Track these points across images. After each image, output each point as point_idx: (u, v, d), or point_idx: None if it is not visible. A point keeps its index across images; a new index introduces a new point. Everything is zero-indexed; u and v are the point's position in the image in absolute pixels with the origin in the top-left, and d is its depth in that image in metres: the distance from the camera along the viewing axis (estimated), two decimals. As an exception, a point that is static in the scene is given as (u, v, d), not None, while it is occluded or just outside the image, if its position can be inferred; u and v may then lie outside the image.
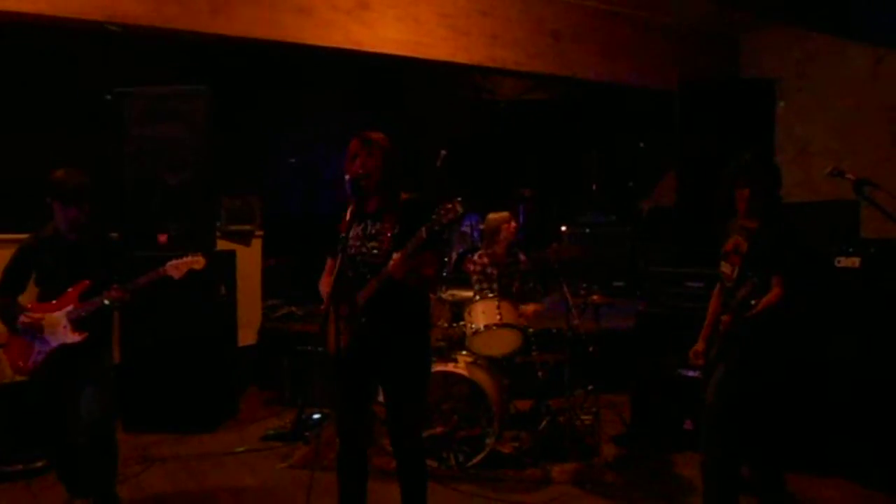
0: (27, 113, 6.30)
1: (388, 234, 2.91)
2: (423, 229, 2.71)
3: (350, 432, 3.07)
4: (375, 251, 2.91)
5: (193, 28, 5.36)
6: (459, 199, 2.70)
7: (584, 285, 4.91)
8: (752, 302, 3.05)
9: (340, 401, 3.10)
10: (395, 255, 2.77)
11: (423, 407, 3.15)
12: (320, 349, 4.98)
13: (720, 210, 3.44)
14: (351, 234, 2.97)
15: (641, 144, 9.12)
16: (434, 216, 2.69)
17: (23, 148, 6.13)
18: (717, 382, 3.27)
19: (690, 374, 4.26)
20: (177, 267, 3.42)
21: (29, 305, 3.49)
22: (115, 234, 3.76)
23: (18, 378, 3.65)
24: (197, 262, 3.45)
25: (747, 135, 4.78)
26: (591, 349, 4.84)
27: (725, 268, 3.35)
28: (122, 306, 3.47)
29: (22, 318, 3.40)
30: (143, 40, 5.48)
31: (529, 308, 4.78)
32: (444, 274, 6.41)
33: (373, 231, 2.94)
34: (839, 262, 4.16)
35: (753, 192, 3.24)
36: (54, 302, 3.44)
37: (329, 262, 3.16)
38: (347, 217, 2.87)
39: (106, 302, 3.37)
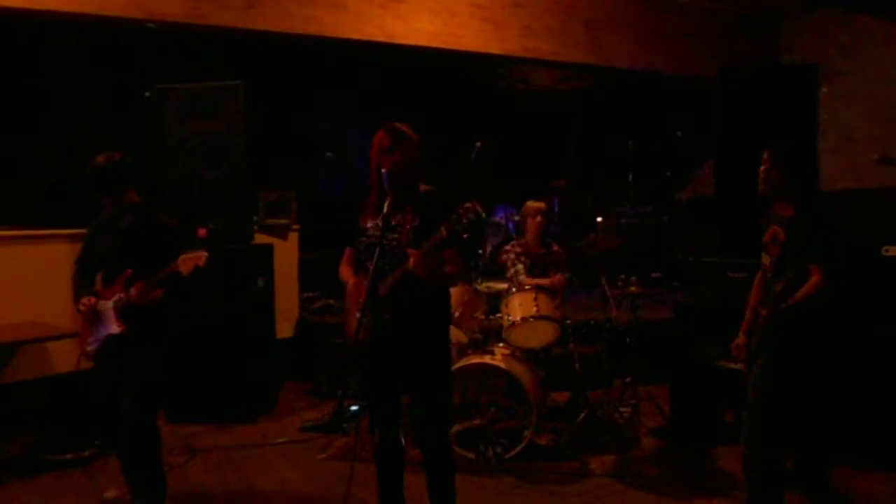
0: (69, 110, 6.45)
1: (408, 227, 2.90)
2: (443, 228, 2.69)
3: (384, 425, 3.08)
4: (395, 243, 2.91)
5: (229, 24, 5.43)
6: (477, 200, 2.67)
7: (622, 276, 4.85)
8: (788, 299, 2.99)
9: (371, 394, 3.12)
10: (413, 252, 2.75)
11: (447, 402, 3.14)
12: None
13: (760, 199, 3.37)
14: (370, 224, 2.98)
15: (678, 133, 8.98)
16: (454, 216, 2.66)
17: (65, 145, 6.29)
18: (758, 374, 3.21)
19: (731, 365, 4.18)
20: (185, 262, 3.35)
21: (98, 289, 3.55)
22: (171, 221, 3.65)
23: (80, 367, 3.69)
24: (199, 258, 3.36)
25: (789, 122, 4.67)
26: (628, 340, 4.79)
27: (764, 259, 3.28)
28: (150, 300, 3.38)
29: (79, 305, 3.47)
30: (181, 37, 5.56)
31: (556, 277, 4.78)
32: (479, 265, 6.40)
33: (393, 222, 2.93)
34: (887, 250, 4.05)
35: (778, 173, 3.17)
36: (112, 288, 3.46)
37: (348, 251, 3.17)
38: (385, 209, 2.86)
39: (130, 296, 3.35)
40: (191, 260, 3.35)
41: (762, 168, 3.21)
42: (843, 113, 6.78)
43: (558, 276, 4.87)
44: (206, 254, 3.40)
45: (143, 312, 3.42)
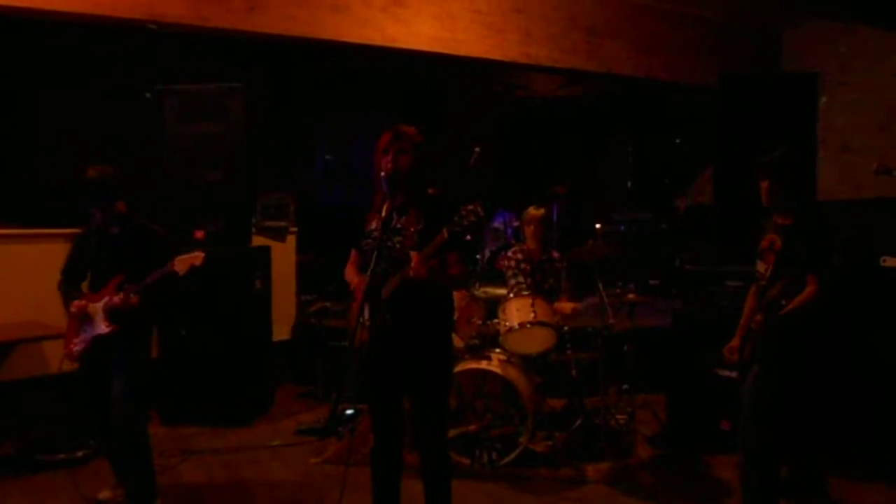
0: (69, 110, 6.45)
1: (412, 230, 2.89)
2: (445, 231, 2.69)
3: (383, 428, 3.07)
4: (399, 245, 2.90)
5: (230, 26, 5.42)
6: (480, 201, 2.67)
7: (620, 283, 4.84)
8: (783, 302, 2.99)
9: (372, 397, 3.11)
10: (414, 255, 2.75)
11: (447, 407, 3.15)
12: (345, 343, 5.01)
13: (759, 207, 3.38)
14: (374, 225, 2.98)
15: (678, 141, 9.00)
16: (455, 217, 2.66)
17: (64, 145, 6.28)
18: (753, 382, 3.21)
19: (727, 373, 4.18)
20: (182, 262, 3.43)
21: (86, 293, 3.65)
22: (159, 228, 3.75)
23: (63, 369, 3.72)
24: (196, 258, 3.45)
25: (788, 130, 4.67)
26: (626, 348, 4.78)
27: (760, 266, 3.29)
28: (129, 307, 3.45)
29: (70, 307, 3.58)
30: (181, 38, 5.56)
31: (567, 306, 4.72)
32: (477, 270, 6.40)
33: (397, 225, 2.93)
34: (885, 261, 4.05)
35: (772, 185, 3.18)
36: (101, 292, 3.56)
37: (354, 252, 3.17)
38: (384, 213, 2.86)
39: (115, 301, 3.44)
40: (187, 260, 3.44)
41: (763, 184, 3.22)
42: (842, 123, 6.79)
43: (570, 305, 4.78)
44: (202, 254, 3.48)
45: (129, 313, 3.50)
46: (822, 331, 3.17)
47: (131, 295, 3.44)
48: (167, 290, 3.56)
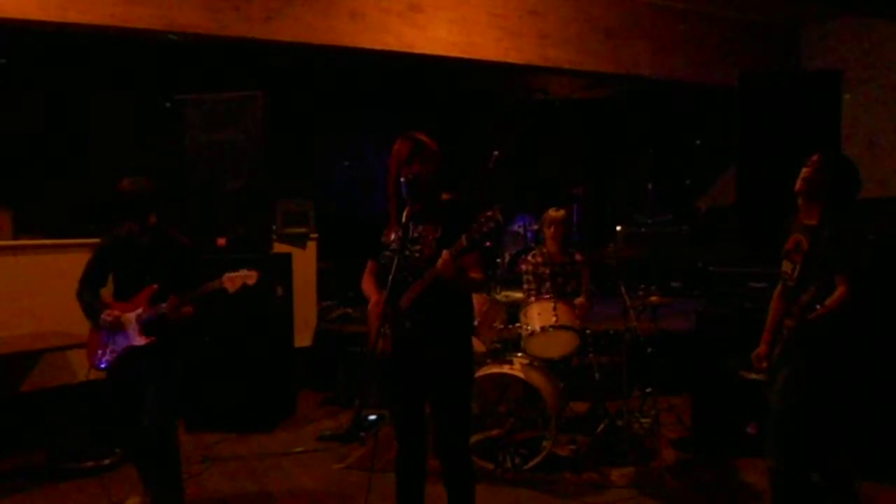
0: (90, 121, 6.54)
1: (431, 238, 2.89)
2: (464, 238, 2.68)
3: (406, 435, 3.06)
4: (418, 254, 2.90)
5: (249, 35, 5.47)
6: (499, 207, 2.66)
7: (642, 286, 4.80)
8: (817, 307, 2.92)
9: (394, 404, 3.11)
10: (445, 253, 2.74)
11: (468, 412, 3.14)
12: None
13: (782, 208, 3.32)
14: (391, 237, 2.97)
15: (698, 142, 8.93)
16: (474, 224, 2.66)
17: (86, 156, 6.37)
18: (782, 385, 3.15)
19: (752, 376, 4.12)
20: (232, 280, 3.45)
21: (109, 301, 3.63)
22: (187, 240, 3.77)
23: (92, 377, 3.75)
24: (250, 277, 3.48)
25: (812, 129, 4.61)
26: (649, 350, 4.74)
27: (786, 267, 3.23)
28: (180, 316, 3.48)
29: (104, 316, 3.53)
30: (202, 48, 5.62)
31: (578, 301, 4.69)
32: (497, 274, 6.38)
33: (415, 234, 2.92)
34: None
35: (816, 173, 3.09)
36: (131, 302, 3.54)
37: (370, 263, 3.17)
38: (404, 219, 2.86)
39: (163, 310, 3.44)
40: (239, 278, 3.47)
41: (808, 169, 3.13)
42: (866, 120, 6.70)
43: (580, 301, 4.75)
44: (256, 273, 3.51)
45: (165, 325, 3.49)
46: (855, 334, 3.10)
47: (180, 307, 3.44)
48: (208, 305, 3.55)
